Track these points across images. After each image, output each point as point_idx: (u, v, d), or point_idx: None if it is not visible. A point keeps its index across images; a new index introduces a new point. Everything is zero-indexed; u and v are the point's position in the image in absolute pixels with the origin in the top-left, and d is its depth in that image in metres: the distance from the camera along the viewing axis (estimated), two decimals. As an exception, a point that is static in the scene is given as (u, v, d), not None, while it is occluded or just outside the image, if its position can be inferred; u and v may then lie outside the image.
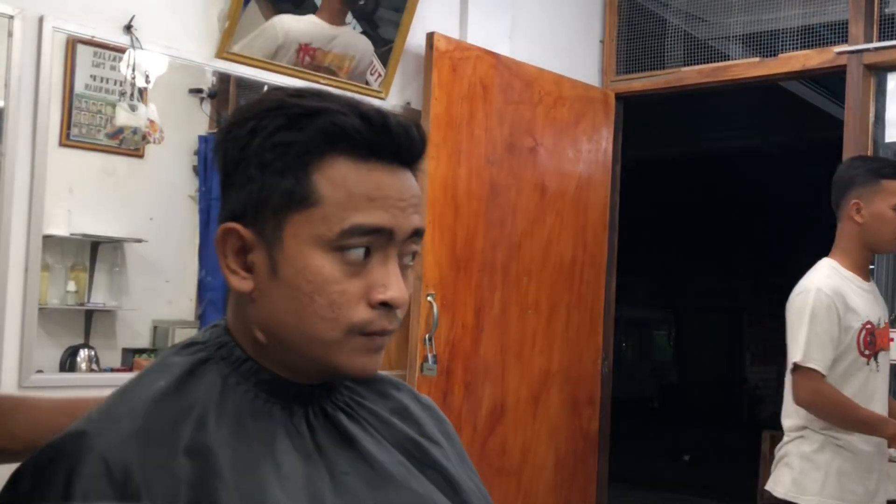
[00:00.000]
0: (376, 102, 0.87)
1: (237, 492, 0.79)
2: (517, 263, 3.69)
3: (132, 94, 2.84)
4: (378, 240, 0.84)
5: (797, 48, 3.76)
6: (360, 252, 0.84)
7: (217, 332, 0.91)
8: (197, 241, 3.26)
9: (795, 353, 2.47)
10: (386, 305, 0.85)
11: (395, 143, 0.85)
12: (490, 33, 3.73)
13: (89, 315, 3.06)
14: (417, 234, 0.88)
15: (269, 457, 0.83)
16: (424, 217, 3.32)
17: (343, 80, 3.22)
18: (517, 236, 3.69)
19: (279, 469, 0.83)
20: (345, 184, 0.83)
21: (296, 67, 3.13)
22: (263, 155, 0.84)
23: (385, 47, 3.36)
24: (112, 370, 3.01)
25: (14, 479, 0.82)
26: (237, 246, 0.86)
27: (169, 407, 0.83)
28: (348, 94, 0.89)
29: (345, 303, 0.84)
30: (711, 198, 11.84)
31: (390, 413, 0.97)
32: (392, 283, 0.85)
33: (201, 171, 3.19)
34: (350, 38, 3.27)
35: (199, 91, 3.21)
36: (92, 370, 2.92)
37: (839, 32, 3.63)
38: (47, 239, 2.73)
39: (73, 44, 2.77)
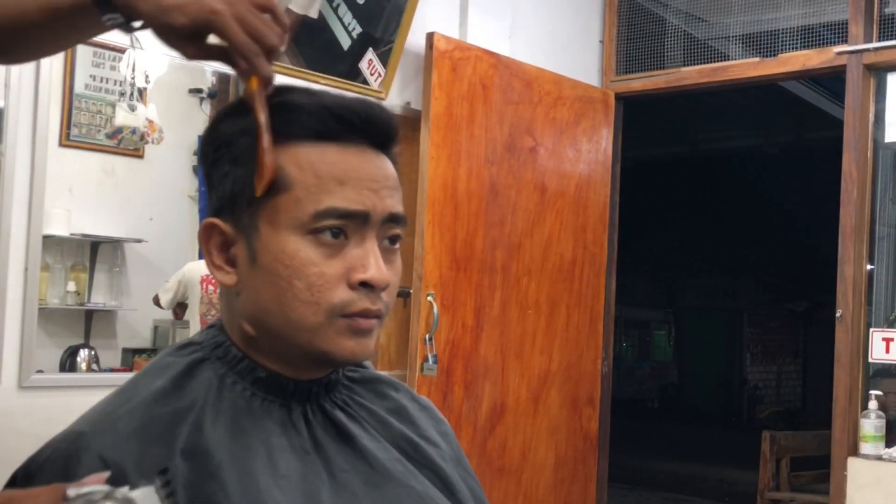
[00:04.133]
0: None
1: (233, 493, 0.80)
2: (517, 263, 3.69)
3: (132, 95, 2.84)
4: (353, 222, 0.84)
5: (797, 48, 3.76)
6: (334, 234, 0.83)
7: (213, 333, 0.91)
8: (197, 240, 3.26)
9: None
10: (367, 286, 0.84)
11: (357, 121, 0.85)
12: (490, 33, 3.73)
13: (89, 315, 3.07)
14: (395, 219, 0.87)
15: (265, 456, 0.83)
16: (424, 213, 3.32)
17: (342, 79, 3.22)
18: (517, 236, 3.69)
19: (276, 468, 0.83)
20: (312, 167, 0.83)
21: (296, 67, 3.13)
22: (233, 149, 0.85)
23: (385, 47, 3.36)
24: (112, 370, 3.01)
25: (13, 479, 0.82)
26: (220, 241, 0.87)
27: (166, 407, 0.83)
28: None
29: (323, 285, 0.83)
30: (711, 198, 11.86)
31: (387, 413, 0.96)
32: (371, 264, 0.84)
33: (201, 171, 3.19)
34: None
35: (199, 91, 3.21)
36: (92, 370, 2.92)
37: (839, 32, 3.62)
38: (47, 239, 2.73)
39: (72, 44, 2.77)
